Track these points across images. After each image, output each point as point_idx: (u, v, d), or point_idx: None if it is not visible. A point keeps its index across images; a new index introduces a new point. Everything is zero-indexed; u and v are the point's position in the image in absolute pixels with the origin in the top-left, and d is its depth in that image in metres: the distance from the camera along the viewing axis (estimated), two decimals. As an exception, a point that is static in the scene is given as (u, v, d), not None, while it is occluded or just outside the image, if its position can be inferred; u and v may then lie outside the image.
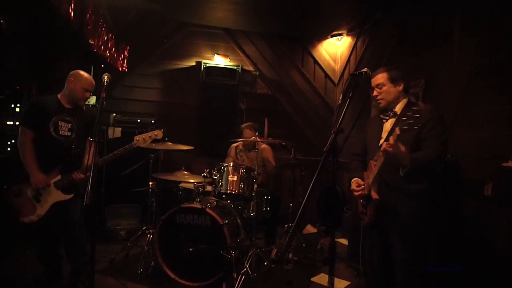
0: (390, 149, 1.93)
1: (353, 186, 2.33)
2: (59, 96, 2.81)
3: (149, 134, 2.78)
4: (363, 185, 2.27)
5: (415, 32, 3.87)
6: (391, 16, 4.39)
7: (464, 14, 3.16)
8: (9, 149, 3.76)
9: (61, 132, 2.75)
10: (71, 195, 2.70)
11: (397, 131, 1.91)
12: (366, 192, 2.23)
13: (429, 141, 2.08)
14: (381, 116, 2.33)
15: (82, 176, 2.65)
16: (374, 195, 2.17)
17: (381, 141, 2.22)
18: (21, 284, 2.89)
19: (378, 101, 2.28)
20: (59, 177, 2.68)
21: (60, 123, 2.75)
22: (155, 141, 3.70)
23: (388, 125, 2.27)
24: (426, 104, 2.27)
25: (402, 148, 1.96)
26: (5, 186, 2.68)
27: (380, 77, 2.26)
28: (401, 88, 2.25)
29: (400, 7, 4.17)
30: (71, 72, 2.81)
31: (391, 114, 2.26)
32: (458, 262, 2.57)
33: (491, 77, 2.85)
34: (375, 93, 2.27)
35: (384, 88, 2.24)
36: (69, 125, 2.78)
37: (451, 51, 3.26)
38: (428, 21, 3.67)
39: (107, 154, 2.69)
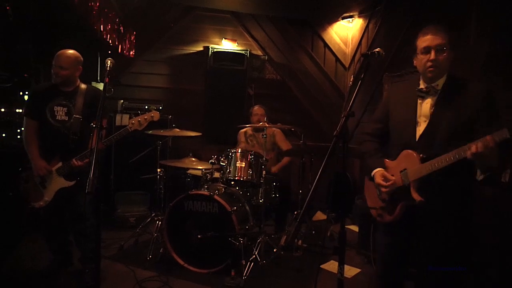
0: (486, 150, 1.48)
1: (379, 180, 1.88)
2: None
3: (145, 116, 2.65)
4: (392, 179, 1.86)
5: (430, 14, 3.71)
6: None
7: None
8: (18, 136, 3.78)
9: (58, 118, 2.70)
10: (74, 182, 2.69)
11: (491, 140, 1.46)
12: (395, 188, 1.85)
13: (488, 122, 1.63)
14: (418, 93, 1.86)
15: (81, 163, 2.60)
16: (416, 195, 1.76)
17: (419, 127, 1.83)
18: (32, 271, 2.93)
19: (430, 68, 1.77)
20: (60, 164, 2.67)
21: (55, 108, 2.70)
22: (163, 127, 3.69)
23: (426, 105, 1.83)
24: (472, 80, 1.84)
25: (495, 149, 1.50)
26: (20, 169, 2.73)
27: (442, 38, 1.76)
28: (452, 59, 1.80)
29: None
30: None
31: (431, 90, 1.82)
32: (472, 254, 2.49)
33: (509, 59, 2.72)
34: (432, 56, 1.75)
35: (444, 55, 1.76)
36: (66, 109, 2.71)
37: (468, 33, 3.12)
38: (444, 2, 3.51)
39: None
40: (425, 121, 1.82)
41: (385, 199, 1.90)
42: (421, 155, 1.77)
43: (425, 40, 1.80)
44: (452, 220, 1.77)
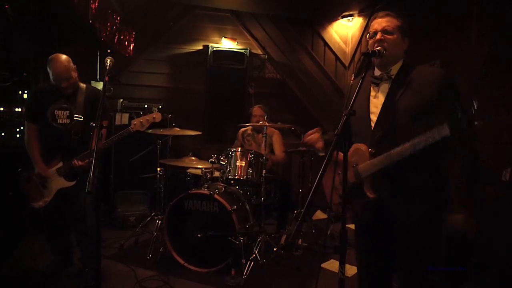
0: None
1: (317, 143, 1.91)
2: None
3: (147, 117, 2.65)
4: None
5: (430, 14, 3.70)
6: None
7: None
8: (18, 135, 3.78)
9: (59, 121, 2.70)
10: (74, 182, 2.69)
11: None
12: (352, 183, 1.70)
13: (448, 108, 1.52)
14: (372, 79, 1.74)
15: (82, 163, 2.60)
16: (369, 191, 1.64)
17: (373, 116, 1.71)
18: (32, 271, 2.92)
19: (375, 45, 1.67)
20: (61, 164, 2.67)
21: (56, 112, 2.68)
22: (163, 126, 3.68)
23: (382, 94, 1.71)
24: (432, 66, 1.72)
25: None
26: (19, 169, 2.73)
27: (389, 21, 1.70)
28: (406, 46, 1.72)
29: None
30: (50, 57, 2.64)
31: (384, 76, 1.70)
32: (471, 253, 2.49)
33: (509, 59, 2.72)
34: (378, 36, 1.67)
35: (392, 36, 1.68)
36: (67, 112, 2.70)
37: (469, 33, 3.12)
38: (444, 2, 3.51)
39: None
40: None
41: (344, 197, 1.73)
42: (370, 150, 1.65)
43: (372, 25, 1.74)
44: (416, 217, 1.62)
